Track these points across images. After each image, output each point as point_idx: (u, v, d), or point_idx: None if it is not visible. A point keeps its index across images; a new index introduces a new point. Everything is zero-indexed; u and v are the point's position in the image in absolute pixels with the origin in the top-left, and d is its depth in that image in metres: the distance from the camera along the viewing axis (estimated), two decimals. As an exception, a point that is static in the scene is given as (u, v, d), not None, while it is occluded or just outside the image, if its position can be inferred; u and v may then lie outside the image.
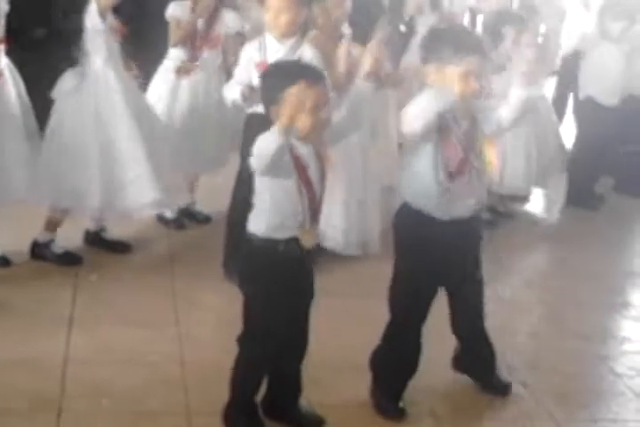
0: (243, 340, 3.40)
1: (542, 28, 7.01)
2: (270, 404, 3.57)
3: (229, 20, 5.70)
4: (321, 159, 3.32)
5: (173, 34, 5.59)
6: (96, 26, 4.82)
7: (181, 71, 5.63)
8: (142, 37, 5.66)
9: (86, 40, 4.85)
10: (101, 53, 4.91)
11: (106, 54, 4.93)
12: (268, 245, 3.29)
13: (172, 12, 5.57)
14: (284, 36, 4.71)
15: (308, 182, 3.27)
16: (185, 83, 5.63)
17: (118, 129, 4.97)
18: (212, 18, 5.64)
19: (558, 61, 7.72)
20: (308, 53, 4.72)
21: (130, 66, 5.11)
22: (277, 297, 3.29)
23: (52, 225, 5.11)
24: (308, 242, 3.30)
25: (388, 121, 5.74)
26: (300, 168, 3.24)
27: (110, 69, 4.96)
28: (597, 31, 6.67)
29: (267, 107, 3.25)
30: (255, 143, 3.07)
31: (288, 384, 3.56)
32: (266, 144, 3.04)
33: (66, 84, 4.92)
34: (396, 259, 3.72)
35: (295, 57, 4.68)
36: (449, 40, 3.60)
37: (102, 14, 4.83)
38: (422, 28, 6.32)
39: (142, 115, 5.12)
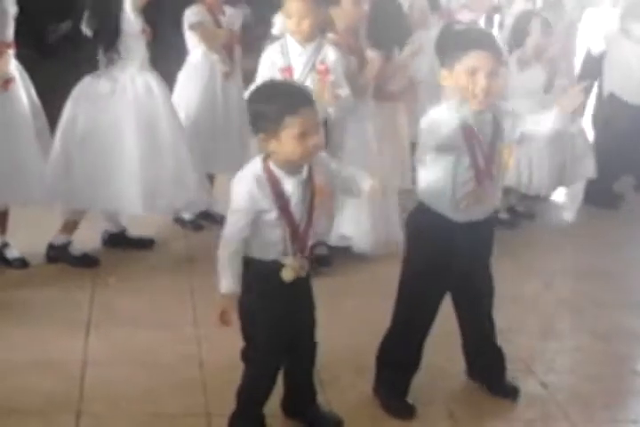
0: (245, 353, 3.40)
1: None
2: (289, 404, 3.57)
3: (235, 16, 5.71)
4: (311, 189, 3.22)
5: (205, 38, 5.52)
6: (133, 28, 4.85)
7: (228, 74, 5.64)
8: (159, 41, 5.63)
9: (122, 42, 4.86)
10: (139, 56, 4.94)
11: (142, 57, 4.96)
12: (257, 263, 3.23)
13: (193, 18, 5.51)
14: (307, 40, 4.71)
15: (290, 216, 3.18)
16: (208, 83, 5.63)
17: (162, 131, 5.00)
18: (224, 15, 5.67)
19: (578, 60, 7.71)
20: (331, 54, 4.73)
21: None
22: (268, 311, 3.25)
23: (68, 228, 5.13)
24: (287, 276, 3.21)
25: (397, 124, 5.72)
26: (281, 203, 3.16)
27: (147, 71, 4.99)
28: (620, 30, 6.64)
29: (254, 131, 3.17)
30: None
31: (301, 386, 3.55)
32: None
33: (102, 88, 4.92)
34: (406, 256, 3.71)
35: (319, 59, 4.69)
36: (454, 38, 3.56)
37: (137, 16, 4.85)
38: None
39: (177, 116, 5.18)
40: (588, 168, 6.38)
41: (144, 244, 5.40)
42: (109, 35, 4.84)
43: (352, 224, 5.09)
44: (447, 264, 3.58)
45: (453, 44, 3.52)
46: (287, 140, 3.07)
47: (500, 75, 3.46)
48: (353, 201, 4.74)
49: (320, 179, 3.24)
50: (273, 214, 3.16)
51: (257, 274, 3.23)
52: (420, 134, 3.51)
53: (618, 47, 6.65)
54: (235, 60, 5.70)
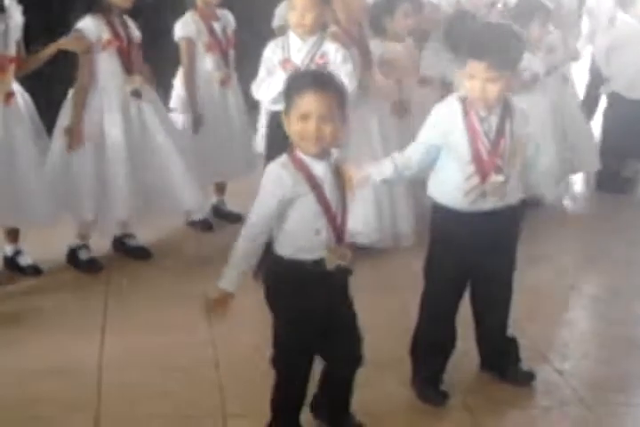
0: (275, 360, 3.32)
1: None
2: (319, 407, 3.52)
3: (228, 20, 5.68)
4: (340, 176, 3.18)
5: (189, 53, 5.50)
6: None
7: (226, 81, 5.61)
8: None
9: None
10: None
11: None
12: (296, 266, 3.15)
13: (182, 32, 5.46)
14: (308, 34, 4.69)
15: (325, 202, 3.12)
16: (205, 92, 5.60)
17: (154, 140, 5.08)
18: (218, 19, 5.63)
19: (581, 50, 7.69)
20: (331, 48, 4.71)
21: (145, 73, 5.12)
22: (305, 315, 3.19)
23: (81, 234, 5.18)
24: (330, 263, 3.14)
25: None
26: (315, 185, 3.10)
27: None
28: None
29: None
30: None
31: (337, 392, 3.47)
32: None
33: None
34: (429, 247, 3.76)
35: (319, 53, 4.68)
36: (463, 39, 3.57)
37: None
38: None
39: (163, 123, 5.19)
40: (592, 160, 6.43)
41: (140, 254, 5.36)
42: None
43: (357, 217, 5.07)
44: (466, 252, 3.62)
45: (461, 45, 3.53)
46: (292, 120, 3.07)
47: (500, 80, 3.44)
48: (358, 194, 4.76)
49: (346, 169, 3.23)
50: (310, 198, 3.09)
51: (297, 280, 3.16)
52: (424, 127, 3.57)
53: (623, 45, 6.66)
54: (230, 65, 5.65)
